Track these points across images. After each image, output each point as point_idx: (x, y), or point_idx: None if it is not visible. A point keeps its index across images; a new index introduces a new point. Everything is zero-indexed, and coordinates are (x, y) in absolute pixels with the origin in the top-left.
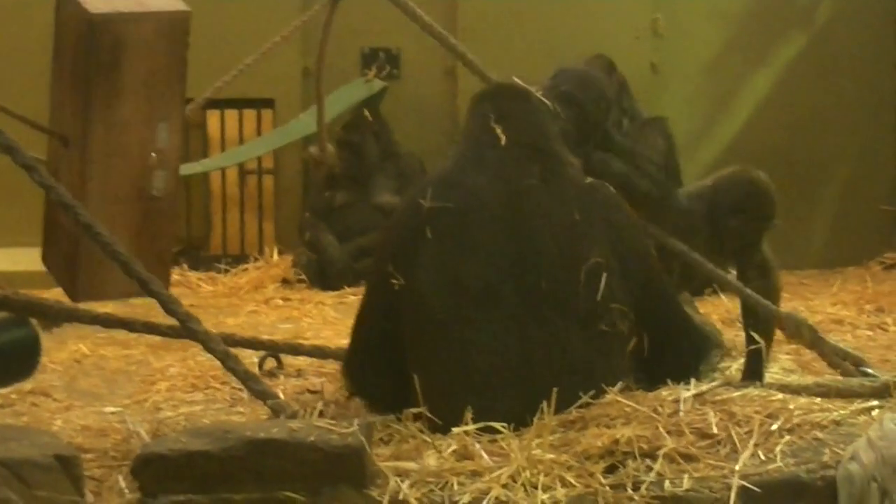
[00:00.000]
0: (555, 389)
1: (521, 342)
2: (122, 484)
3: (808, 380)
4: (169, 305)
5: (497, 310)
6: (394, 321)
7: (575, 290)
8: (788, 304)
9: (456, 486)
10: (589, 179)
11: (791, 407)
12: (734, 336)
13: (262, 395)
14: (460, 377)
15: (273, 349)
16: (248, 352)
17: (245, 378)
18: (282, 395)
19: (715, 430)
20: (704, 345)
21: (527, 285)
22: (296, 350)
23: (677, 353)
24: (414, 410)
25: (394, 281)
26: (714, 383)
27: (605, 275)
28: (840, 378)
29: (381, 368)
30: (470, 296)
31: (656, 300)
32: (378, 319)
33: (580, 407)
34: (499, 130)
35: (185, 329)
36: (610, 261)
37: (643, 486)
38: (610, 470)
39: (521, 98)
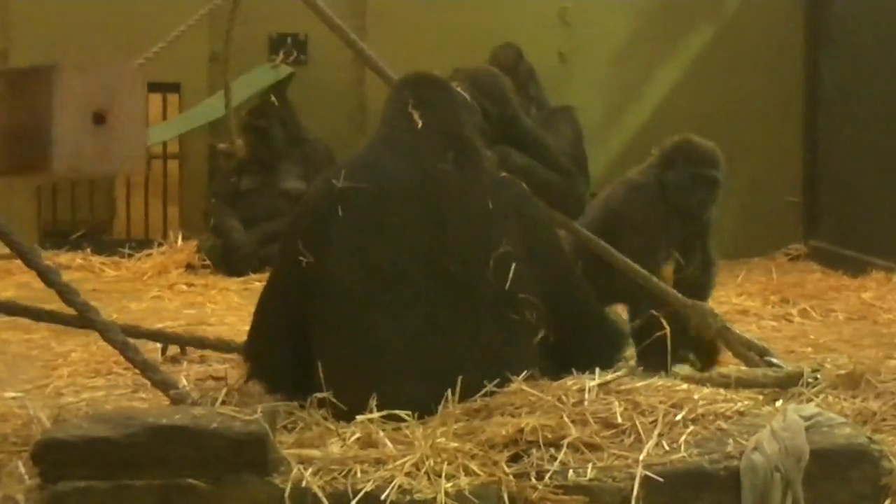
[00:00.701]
0: (460, 378)
1: (430, 326)
2: (22, 470)
3: (713, 370)
4: (68, 295)
5: (406, 292)
6: (300, 301)
7: (484, 277)
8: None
9: (359, 474)
10: (503, 173)
11: (696, 397)
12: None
13: (163, 384)
14: (367, 358)
15: (176, 342)
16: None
17: (145, 368)
18: (185, 382)
19: (619, 420)
20: (618, 338)
21: (437, 269)
22: (201, 343)
23: (591, 346)
24: (319, 395)
25: (302, 258)
26: (619, 373)
27: (514, 264)
28: (745, 368)
29: (284, 350)
30: (379, 276)
31: (569, 293)
32: (284, 299)
33: (485, 395)
34: (416, 115)
35: (84, 319)
36: (520, 251)
37: (547, 475)
38: (514, 459)
39: (441, 87)
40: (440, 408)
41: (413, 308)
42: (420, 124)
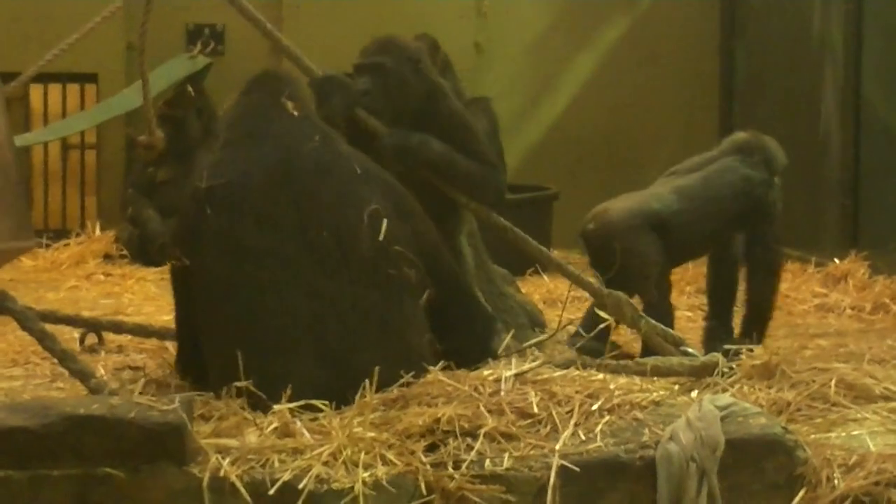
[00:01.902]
0: (376, 369)
1: (311, 298)
2: None
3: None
4: None
5: (282, 269)
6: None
7: (357, 236)
8: None
9: (277, 464)
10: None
11: (611, 387)
12: (556, 316)
13: (81, 374)
14: (253, 340)
15: (95, 327)
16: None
17: (63, 357)
18: (102, 372)
19: (536, 410)
20: (490, 318)
21: (310, 240)
22: (118, 328)
23: (466, 322)
24: (239, 384)
25: (177, 262)
26: (535, 363)
27: (385, 220)
28: (660, 358)
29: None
30: (253, 259)
31: (438, 260)
32: (184, 307)
33: (402, 385)
34: (290, 105)
35: (2, 308)
36: (390, 210)
37: (464, 465)
38: (431, 448)
39: (297, 84)
40: (357, 397)
41: (291, 283)
42: (296, 112)
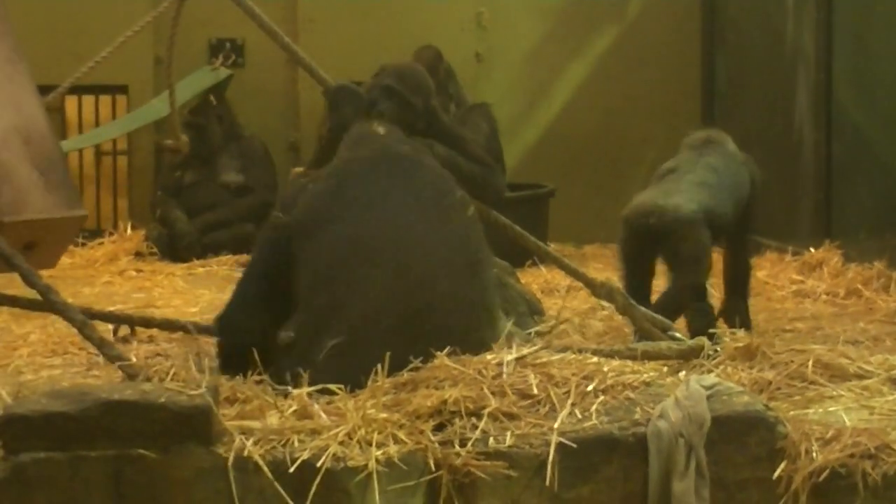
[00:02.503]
0: (387, 354)
1: (405, 231)
2: None
3: (620, 344)
4: (30, 278)
5: (388, 210)
6: (282, 256)
7: (451, 207)
8: (602, 273)
9: (296, 444)
10: None
11: (605, 369)
12: (553, 304)
13: (117, 360)
14: (345, 264)
15: (127, 322)
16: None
17: (100, 345)
18: (134, 360)
19: (535, 391)
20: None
21: (414, 192)
22: (147, 323)
23: None
24: (256, 378)
25: (279, 214)
26: (534, 347)
27: (476, 224)
28: (649, 342)
29: (258, 313)
30: (358, 205)
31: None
32: (267, 260)
33: (411, 370)
34: (381, 129)
35: (46, 300)
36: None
37: (469, 443)
38: (439, 428)
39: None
40: (369, 381)
41: (392, 219)
42: (383, 132)
